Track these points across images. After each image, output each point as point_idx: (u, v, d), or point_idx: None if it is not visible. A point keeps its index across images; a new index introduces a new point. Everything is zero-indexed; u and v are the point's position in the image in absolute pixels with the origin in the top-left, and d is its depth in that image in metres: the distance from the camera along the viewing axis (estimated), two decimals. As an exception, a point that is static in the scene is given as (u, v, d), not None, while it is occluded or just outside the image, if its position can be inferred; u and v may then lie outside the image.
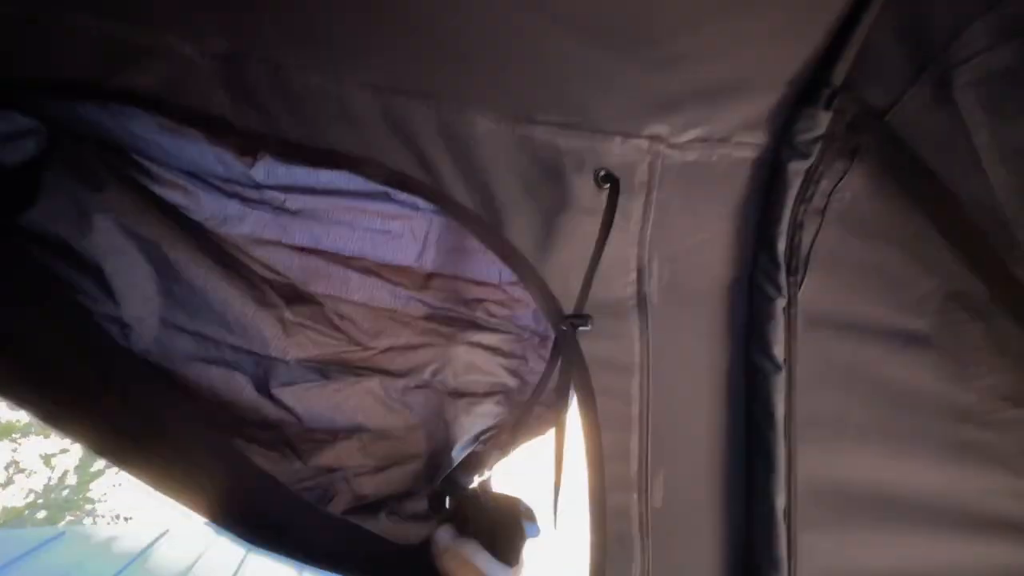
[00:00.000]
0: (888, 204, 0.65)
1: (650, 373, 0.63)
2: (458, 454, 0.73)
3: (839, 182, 0.65)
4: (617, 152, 0.62)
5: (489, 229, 0.59)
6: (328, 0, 0.52)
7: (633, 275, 0.64)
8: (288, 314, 0.64)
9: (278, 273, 0.65)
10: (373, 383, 0.68)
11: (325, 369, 0.66)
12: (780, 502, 0.64)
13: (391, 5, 0.52)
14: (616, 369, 0.63)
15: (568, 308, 0.61)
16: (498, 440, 0.75)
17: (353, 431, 0.68)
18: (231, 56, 0.52)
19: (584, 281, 0.61)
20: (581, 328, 0.60)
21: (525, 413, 0.69)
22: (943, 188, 0.61)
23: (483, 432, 0.75)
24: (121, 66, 0.49)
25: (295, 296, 0.66)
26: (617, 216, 0.63)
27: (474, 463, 0.75)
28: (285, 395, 0.65)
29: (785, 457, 0.64)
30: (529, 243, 0.61)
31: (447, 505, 0.71)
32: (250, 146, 0.59)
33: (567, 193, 0.62)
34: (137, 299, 0.59)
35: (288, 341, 0.64)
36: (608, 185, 0.62)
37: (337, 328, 0.66)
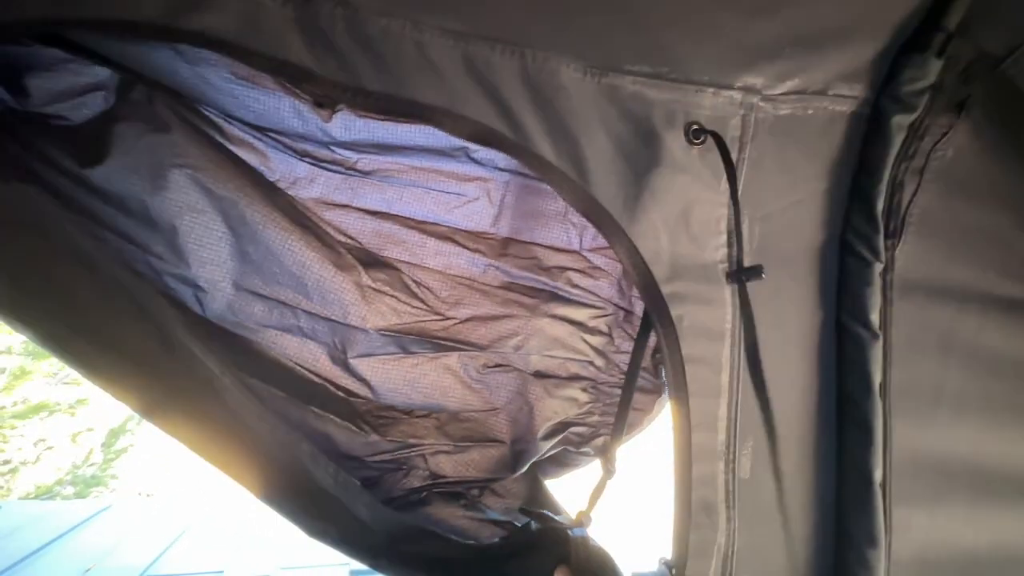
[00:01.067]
0: (996, 162, 0.61)
1: (742, 340, 0.61)
2: (543, 442, 0.71)
3: (942, 139, 0.61)
4: (709, 105, 0.59)
5: (576, 186, 0.56)
6: None
7: (723, 237, 0.61)
8: (367, 279, 0.62)
9: (351, 238, 0.63)
10: (452, 360, 0.66)
11: (404, 341, 0.64)
12: (877, 475, 0.61)
13: None
14: (707, 335, 0.60)
15: (660, 273, 0.58)
16: (592, 439, 0.72)
17: (430, 410, 0.66)
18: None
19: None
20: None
21: (623, 408, 0.65)
22: None
23: (572, 424, 0.72)
24: (193, 6, 0.47)
25: (372, 261, 0.63)
26: (708, 174, 0.59)
27: (566, 462, 0.73)
28: (362, 366, 0.63)
29: (882, 429, 0.61)
30: (618, 202, 0.58)
31: (532, 527, 0.68)
32: (328, 97, 0.56)
33: (657, 149, 0.58)
34: (211, 261, 0.57)
35: (368, 308, 0.62)
36: (701, 140, 0.58)
37: (415, 296, 0.64)
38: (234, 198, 0.56)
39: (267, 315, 0.61)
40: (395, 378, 0.65)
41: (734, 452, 0.61)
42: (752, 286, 0.61)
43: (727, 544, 0.62)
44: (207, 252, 0.57)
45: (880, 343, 0.62)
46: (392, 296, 0.64)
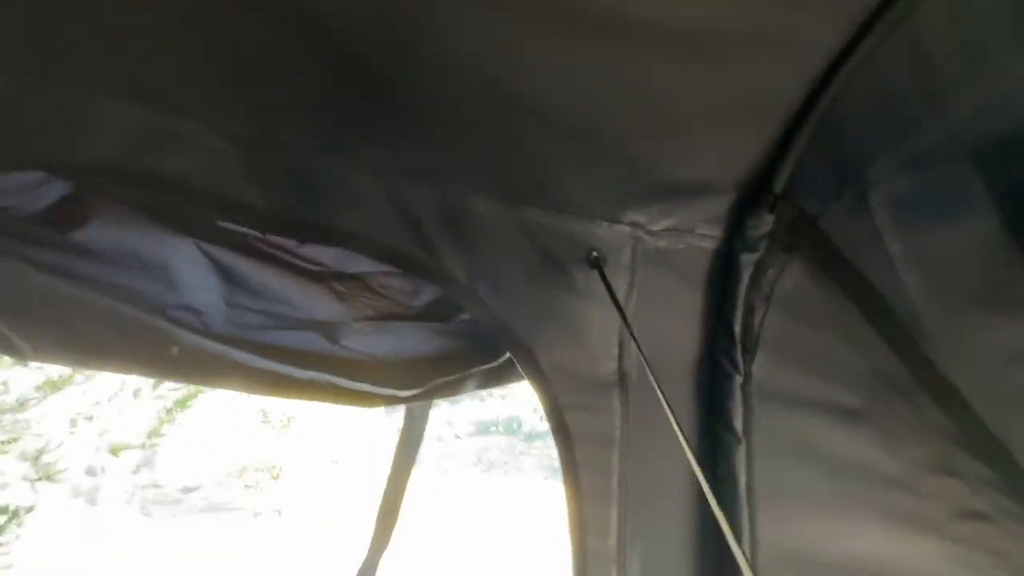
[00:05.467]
0: (822, 294, 0.76)
1: (629, 447, 0.67)
2: None
3: (780, 274, 0.76)
4: (605, 236, 0.69)
5: (485, 306, 0.64)
6: (344, 92, 0.57)
7: (615, 351, 0.70)
8: (338, 286, 0.70)
9: (321, 264, 0.70)
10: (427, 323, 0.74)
11: (381, 323, 0.73)
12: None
13: (404, 99, 0.58)
14: (598, 442, 0.66)
15: (559, 385, 0.65)
16: None
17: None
18: (251, 142, 0.56)
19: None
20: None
21: None
22: (867, 283, 0.73)
23: None
24: (150, 149, 0.51)
25: (341, 275, 0.71)
26: (604, 296, 0.69)
27: None
28: (352, 342, 0.71)
29: (748, 527, 0.68)
30: (524, 321, 0.65)
31: None
32: (262, 229, 0.62)
33: (560, 273, 0.67)
34: (203, 288, 0.63)
35: (343, 307, 0.70)
36: (597, 266, 0.68)
37: (382, 295, 0.72)
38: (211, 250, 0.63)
39: (264, 321, 0.67)
40: (381, 342, 0.73)
41: (625, 556, 0.65)
42: (638, 396, 0.69)
43: None
44: (198, 281, 0.63)
45: (743, 447, 0.71)
46: (362, 297, 0.71)
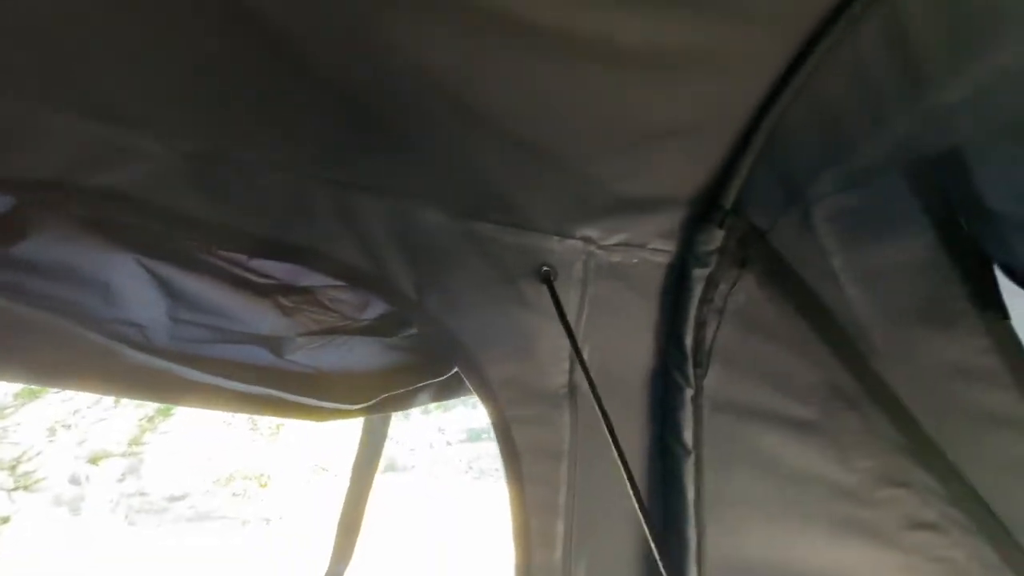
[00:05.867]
0: (773, 307, 0.77)
1: (578, 459, 0.68)
2: None
3: (733, 287, 0.77)
4: (556, 250, 0.70)
5: (434, 321, 0.64)
6: (293, 106, 0.58)
7: (566, 364, 0.70)
8: (284, 300, 0.68)
9: (272, 277, 0.69)
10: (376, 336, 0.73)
11: (327, 338, 0.72)
12: None
13: (354, 108, 0.59)
14: (547, 455, 0.67)
15: (507, 397, 0.66)
16: None
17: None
18: (201, 155, 0.56)
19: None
20: None
21: None
22: (815, 297, 0.74)
23: None
24: (95, 165, 0.52)
25: (289, 288, 0.70)
26: (555, 309, 0.69)
27: None
28: (299, 357, 0.71)
29: (695, 537, 0.69)
30: (474, 335, 0.66)
31: None
32: (211, 243, 0.62)
33: (511, 287, 0.68)
34: (145, 302, 0.62)
35: (289, 321, 0.69)
36: (548, 281, 0.69)
37: (330, 309, 0.71)
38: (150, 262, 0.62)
39: (209, 335, 0.66)
40: (329, 356, 0.72)
41: (570, 569, 0.66)
42: (588, 409, 0.70)
43: None
44: (140, 296, 0.62)
45: (693, 459, 0.71)
46: (308, 311, 0.70)
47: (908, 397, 0.70)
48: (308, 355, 0.69)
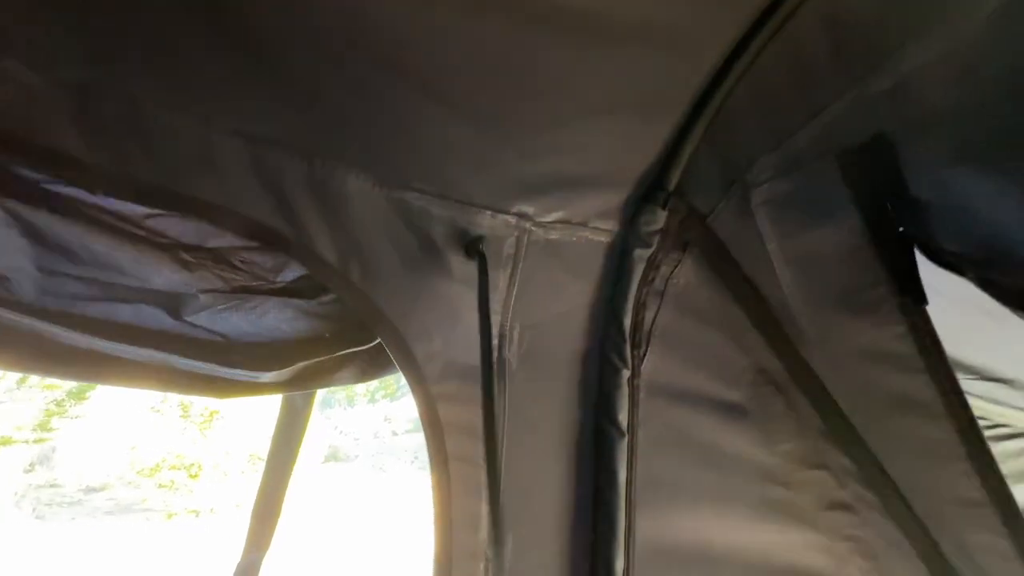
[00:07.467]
0: (710, 291, 0.77)
1: (505, 438, 0.66)
2: None
3: (674, 269, 0.76)
4: (487, 225, 0.67)
5: (355, 290, 0.60)
6: (198, 36, 0.51)
7: (495, 340, 0.68)
8: (185, 255, 0.61)
9: (170, 238, 0.61)
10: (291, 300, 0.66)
11: (235, 297, 0.64)
12: (618, 565, 0.67)
13: (269, 53, 0.53)
14: (472, 434, 0.64)
15: (431, 373, 0.62)
16: None
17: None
18: (84, 87, 0.49)
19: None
20: None
21: None
22: (750, 282, 0.75)
23: None
24: None
25: (194, 246, 0.63)
26: (478, 284, 0.67)
27: None
28: (201, 319, 0.63)
29: (625, 520, 0.68)
30: (397, 306, 0.62)
31: None
32: (97, 187, 0.55)
33: (437, 260, 0.64)
34: (7, 250, 0.53)
35: (189, 276, 0.61)
36: (476, 255, 0.66)
37: (240, 269, 0.64)
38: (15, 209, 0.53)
39: (88, 290, 0.58)
40: (238, 320, 0.64)
41: (494, 550, 0.64)
42: (515, 387, 0.67)
43: None
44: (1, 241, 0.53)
45: (626, 441, 0.71)
46: (215, 268, 0.63)
47: (830, 381, 0.72)
48: (212, 318, 0.62)
